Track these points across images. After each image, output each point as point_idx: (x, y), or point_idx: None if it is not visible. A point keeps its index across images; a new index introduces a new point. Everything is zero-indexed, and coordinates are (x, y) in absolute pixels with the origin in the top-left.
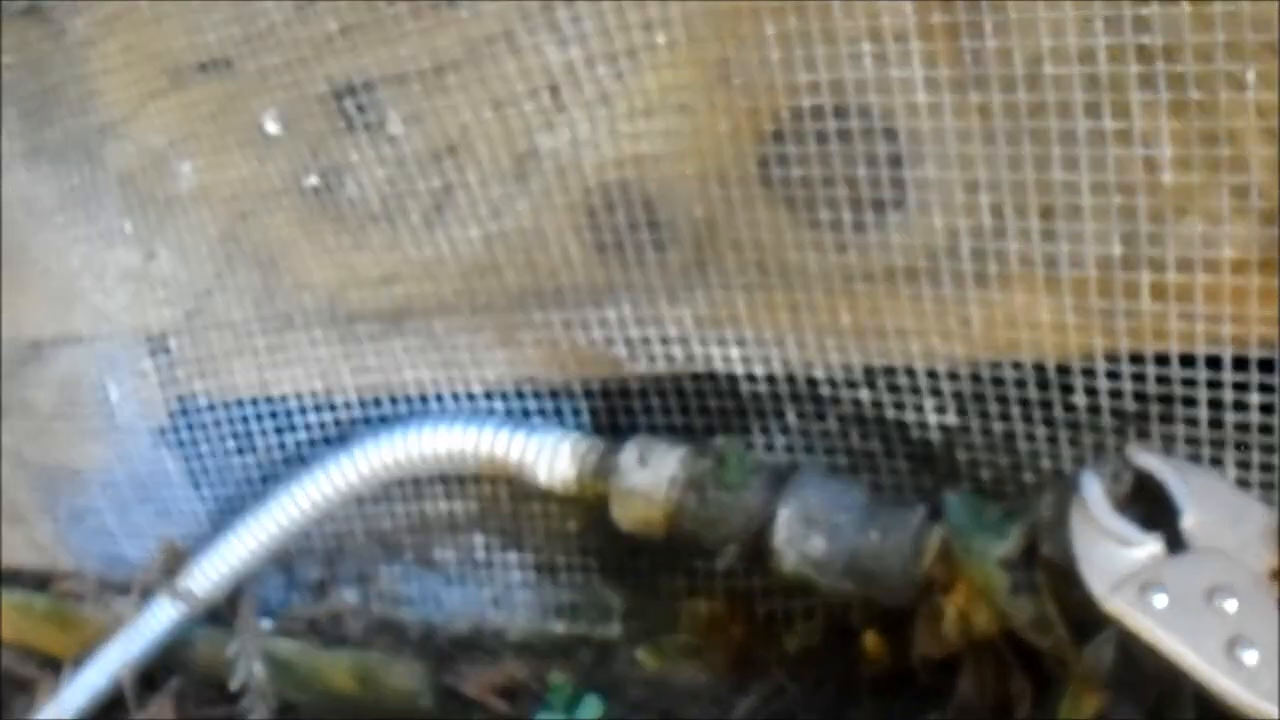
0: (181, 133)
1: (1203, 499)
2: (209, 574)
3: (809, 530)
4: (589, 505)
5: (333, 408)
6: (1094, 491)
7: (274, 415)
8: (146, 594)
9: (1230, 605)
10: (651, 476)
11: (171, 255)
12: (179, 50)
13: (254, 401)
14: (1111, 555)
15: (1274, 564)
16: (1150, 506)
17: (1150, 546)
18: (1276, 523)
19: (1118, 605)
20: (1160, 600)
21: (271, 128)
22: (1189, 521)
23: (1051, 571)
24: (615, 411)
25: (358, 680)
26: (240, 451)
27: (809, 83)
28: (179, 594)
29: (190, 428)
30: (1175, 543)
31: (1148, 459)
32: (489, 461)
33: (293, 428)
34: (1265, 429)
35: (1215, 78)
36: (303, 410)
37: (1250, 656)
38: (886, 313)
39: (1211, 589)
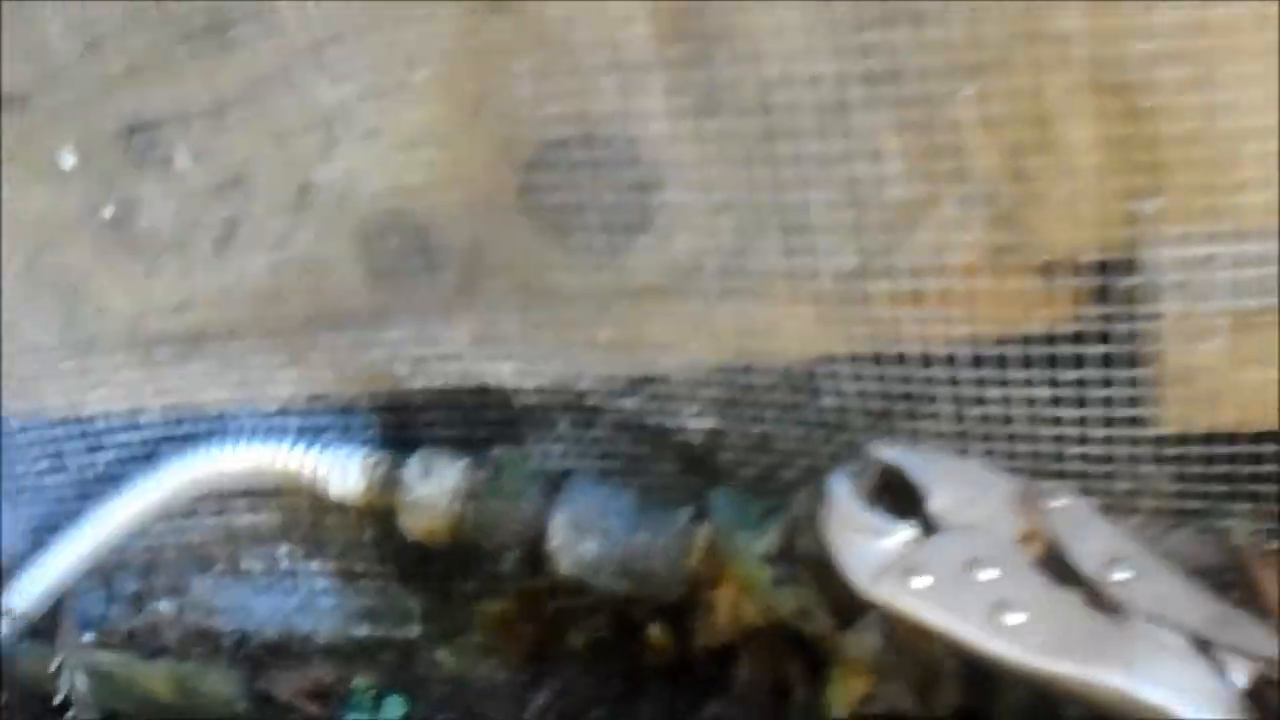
0: None
1: (947, 480)
2: (30, 590)
3: (581, 535)
4: (380, 516)
5: (139, 427)
6: (842, 490)
7: (84, 435)
8: None
9: (988, 574)
10: (435, 488)
11: None
12: None
13: (64, 422)
14: (868, 547)
15: (1024, 528)
16: (900, 496)
17: (904, 533)
18: (1021, 490)
19: (883, 593)
20: (921, 582)
21: (67, 162)
22: (937, 504)
23: (811, 564)
24: (402, 425)
25: (176, 688)
26: (53, 470)
27: (558, 115)
28: (1, 611)
29: (3, 449)
30: (928, 526)
31: (886, 451)
32: (286, 476)
33: (102, 447)
34: (1005, 419)
35: (936, 97)
36: (111, 430)
37: (1015, 618)
38: (643, 327)
39: (969, 562)
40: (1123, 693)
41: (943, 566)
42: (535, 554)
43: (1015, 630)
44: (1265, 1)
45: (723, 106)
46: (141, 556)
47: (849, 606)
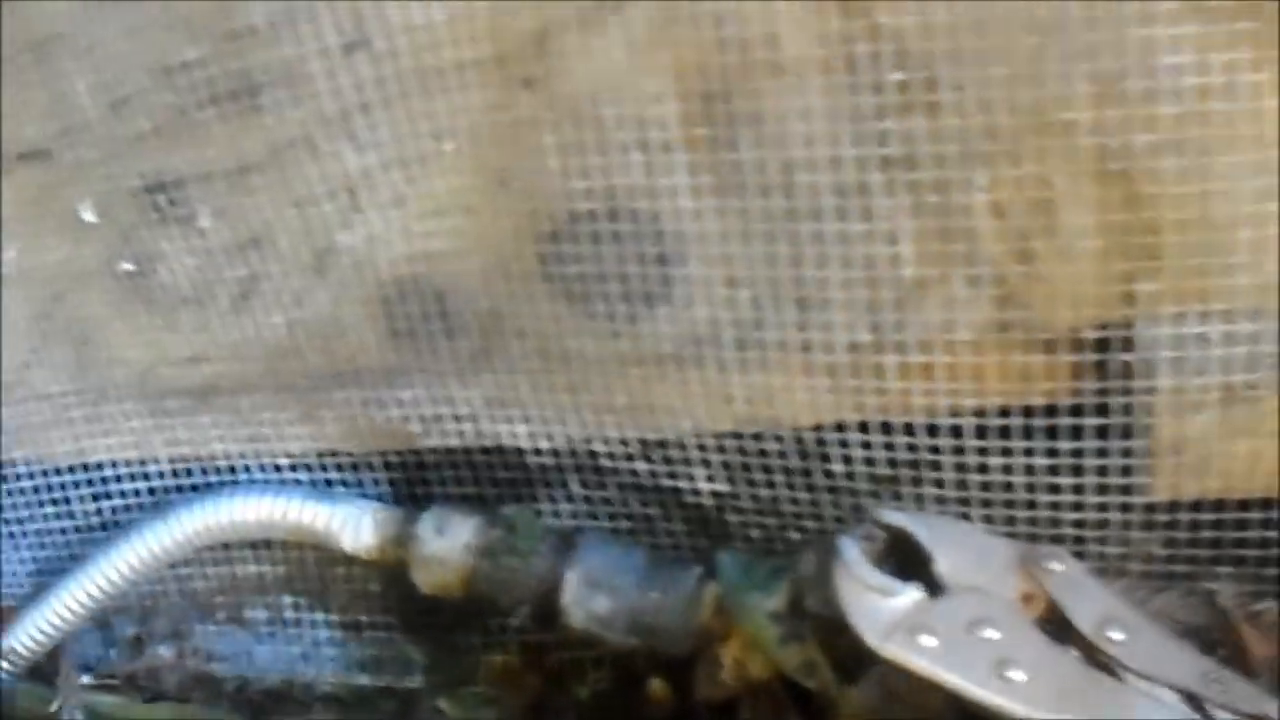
0: (2, 217)
1: (950, 544)
2: (32, 633)
3: (594, 591)
4: (391, 570)
5: (146, 477)
6: (852, 552)
7: (90, 483)
8: None
9: (991, 634)
10: (448, 544)
11: None
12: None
13: (71, 469)
14: (878, 607)
15: (1024, 590)
16: (906, 559)
17: (911, 594)
18: (1020, 554)
19: (893, 651)
20: (929, 640)
21: (87, 216)
22: (942, 566)
23: (817, 622)
24: (412, 482)
25: None
26: (59, 516)
27: (584, 188)
28: (2, 653)
29: (10, 494)
30: (933, 588)
31: (894, 516)
32: (296, 529)
33: (108, 495)
34: (1006, 486)
35: (950, 183)
36: (118, 479)
37: (1018, 674)
38: (658, 392)
39: (972, 622)
40: None
41: (948, 626)
42: (547, 609)
43: (1018, 686)
44: (1260, 101)
45: (745, 186)
46: (141, 601)
47: (852, 663)
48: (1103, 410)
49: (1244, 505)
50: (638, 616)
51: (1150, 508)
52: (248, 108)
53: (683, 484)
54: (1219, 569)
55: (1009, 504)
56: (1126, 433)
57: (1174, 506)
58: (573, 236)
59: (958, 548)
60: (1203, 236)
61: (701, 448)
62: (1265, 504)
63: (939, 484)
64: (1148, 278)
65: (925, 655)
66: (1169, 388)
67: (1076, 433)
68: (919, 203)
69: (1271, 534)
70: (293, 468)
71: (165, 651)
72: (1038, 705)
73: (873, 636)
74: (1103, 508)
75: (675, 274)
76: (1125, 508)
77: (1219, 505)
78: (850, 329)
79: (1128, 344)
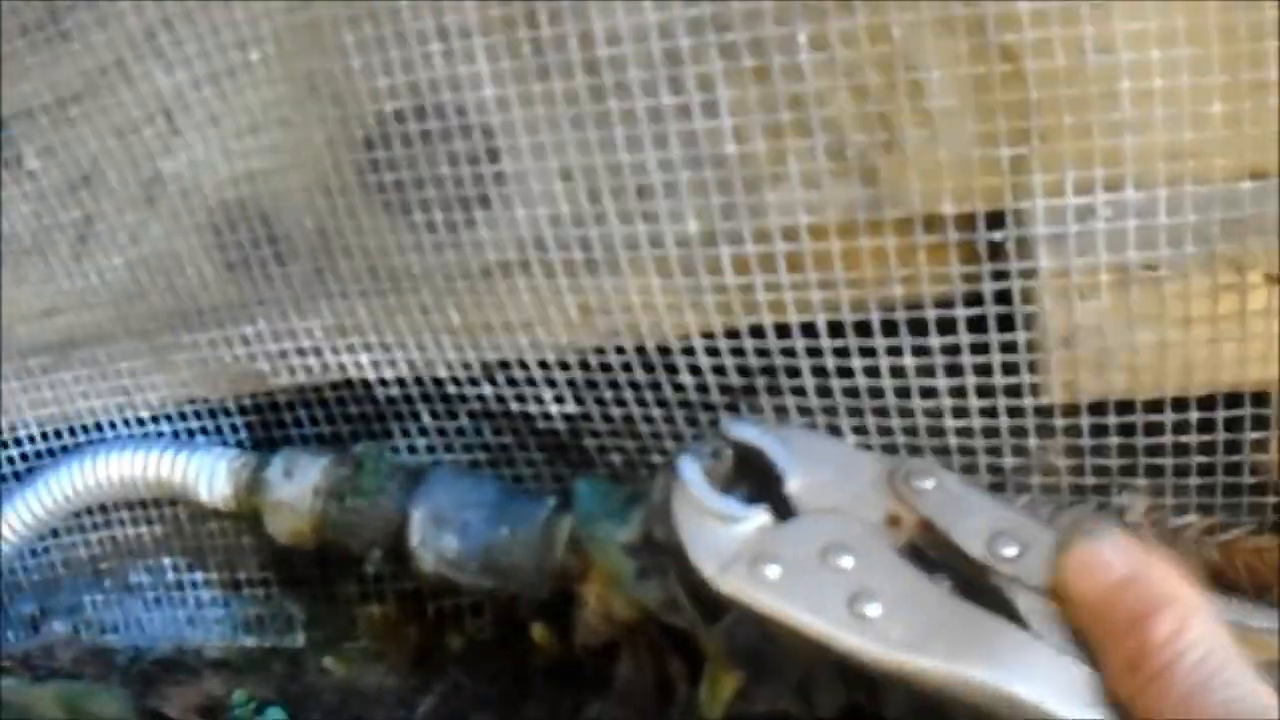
0: None
1: (807, 460)
2: None
3: (441, 530)
4: (250, 520)
5: (18, 442)
6: (692, 472)
7: None
8: None
9: (846, 562)
10: (296, 488)
11: None
12: None
13: None
14: (717, 534)
15: (890, 510)
16: (758, 479)
17: (756, 519)
18: (887, 469)
19: (731, 584)
20: (773, 571)
21: None
22: (794, 486)
23: (670, 554)
24: (269, 425)
25: (65, 711)
26: None
27: (389, 87)
28: None
29: None
30: (783, 511)
31: (743, 430)
32: (157, 484)
33: None
34: (874, 392)
35: (767, 43)
36: None
37: (873, 609)
38: (490, 309)
39: (825, 549)
40: (991, 688)
41: (797, 554)
42: (399, 552)
43: (874, 622)
44: None
45: (549, 66)
46: (38, 576)
47: (715, 599)
48: (977, 300)
49: (1155, 406)
50: (489, 556)
51: (1045, 411)
52: (54, 35)
53: (532, 408)
54: (1132, 480)
55: (880, 412)
56: (1007, 325)
57: (1073, 410)
58: (385, 140)
59: (814, 464)
60: (1078, 90)
61: (545, 366)
62: (1179, 404)
63: (800, 393)
64: (1018, 141)
65: (767, 588)
66: (1051, 270)
67: (949, 327)
68: (737, 67)
69: (1189, 438)
70: (154, 419)
71: (60, 627)
72: (893, 645)
73: (710, 566)
74: (989, 413)
75: (488, 173)
76: (1015, 411)
77: (1126, 407)
78: (676, 219)
79: (1000, 221)
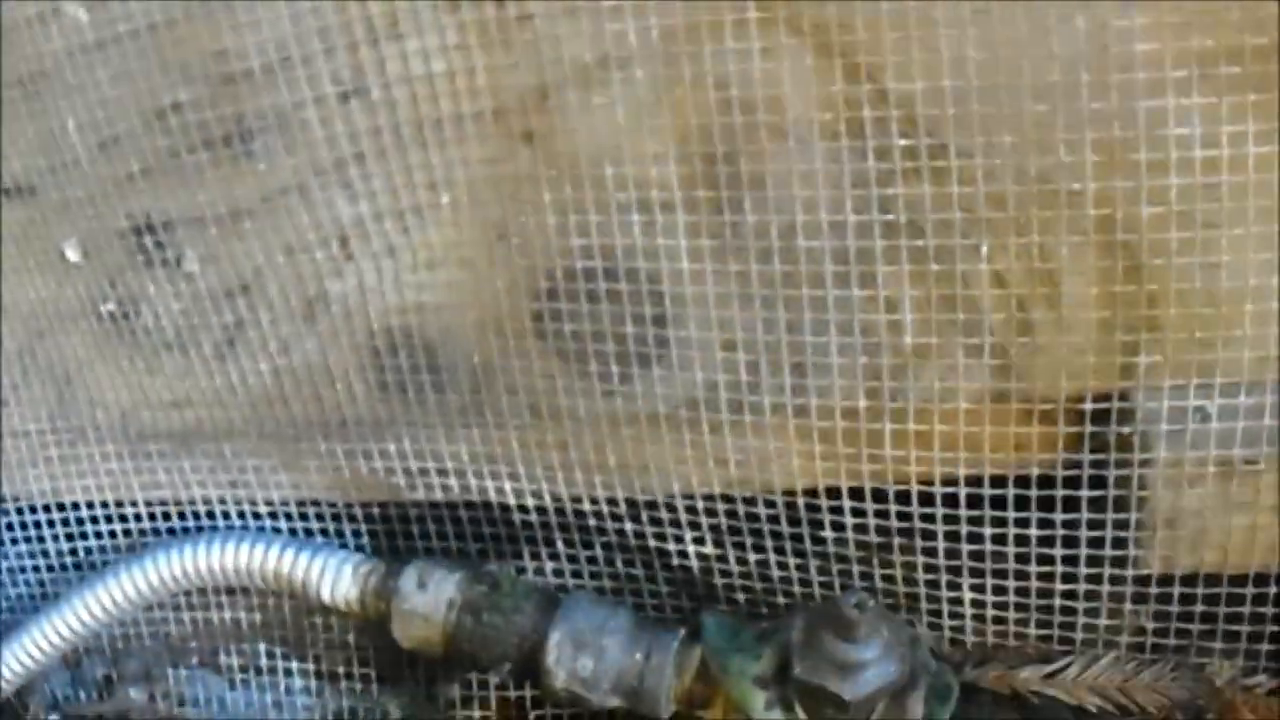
0: None
1: None
2: (1, 670)
3: (578, 652)
4: (369, 621)
5: (123, 519)
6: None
7: (65, 523)
8: None
9: None
10: (430, 599)
11: None
12: None
13: (46, 508)
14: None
15: None
16: None
17: None
18: None
19: None
20: None
21: (72, 255)
22: None
23: (803, 689)
24: (394, 535)
25: None
26: (31, 555)
27: (582, 246)
28: None
29: None
30: None
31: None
32: (274, 577)
33: (83, 535)
34: (997, 556)
35: (953, 251)
36: (94, 520)
37: None
38: (649, 453)
39: None
40: None
41: None
42: (529, 667)
43: None
44: (1269, 174)
45: (745, 249)
46: (113, 642)
47: None
48: (1099, 482)
49: (1238, 580)
50: (621, 678)
51: (1143, 580)
52: (240, 153)
53: (670, 545)
54: (1211, 644)
55: (1000, 574)
56: (1121, 505)
57: (1167, 580)
58: (569, 294)
59: None
60: (1205, 309)
61: (691, 510)
62: (1260, 579)
63: (930, 553)
64: (1149, 350)
65: None
66: (1166, 460)
67: (1071, 504)
68: (921, 270)
69: (1266, 609)
70: (272, 515)
71: (135, 694)
72: None
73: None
74: (1095, 579)
75: (671, 335)
76: (1117, 580)
77: (1213, 579)
78: (847, 394)
79: (1126, 415)
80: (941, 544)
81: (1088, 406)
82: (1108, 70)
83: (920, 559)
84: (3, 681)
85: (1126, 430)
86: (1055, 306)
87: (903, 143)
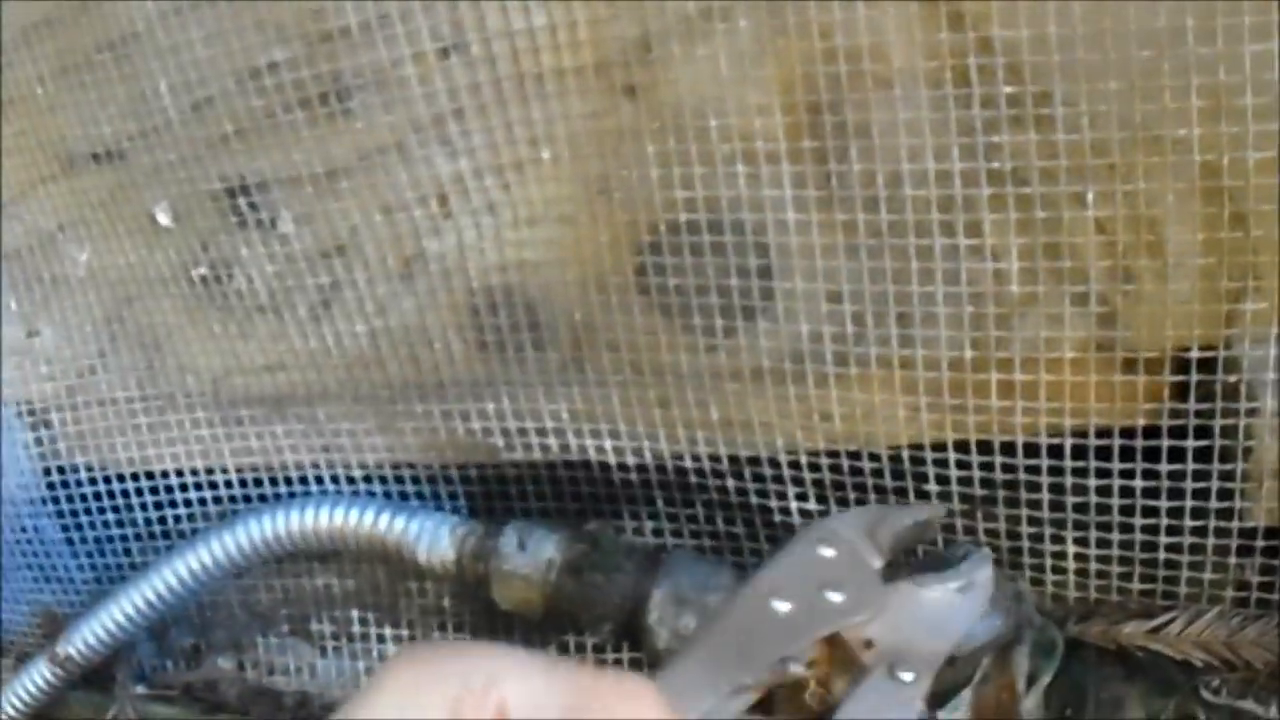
0: (71, 217)
1: None
2: (87, 640)
3: (680, 610)
4: (467, 585)
5: (213, 486)
6: None
7: (154, 491)
8: (23, 658)
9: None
10: (530, 560)
11: (55, 333)
12: (73, 139)
13: (134, 476)
14: None
15: None
16: None
17: None
18: None
19: None
20: None
21: (163, 219)
22: None
23: None
24: (491, 496)
25: None
26: (120, 524)
27: (685, 199)
28: (57, 659)
29: (70, 499)
30: None
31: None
32: (368, 541)
33: (173, 504)
34: (1102, 509)
35: (1059, 199)
36: (183, 487)
37: None
38: (753, 408)
39: None
40: None
41: None
42: (631, 627)
43: None
44: None
45: (851, 199)
46: (201, 610)
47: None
48: (1204, 433)
49: None
50: None
51: (1248, 533)
52: (337, 111)
53: (772, 502)
54: None
55: (1104, 527)
56: (1227, 456)
57: (1273, 533)
58: (672, 248)
59: None
60: None
61: (794, 465)
62: None
63: (1035, 506)
64: (1254, 297)
65: None
66: (1273, 410)
67: (1176, 455)
68: (1026, 219)
69: None
70: (366, 479)
71: (224, 663)
72: None
73: None
74: (1199, 532)
75: (776, 287)
76: (1222, 533)
77: None
78: (953, 345)
79: (1231, 364)
80: (1046, 497)
81: (1193, 355)
82: (1214, 15)
83: (1024, 513)
84: (89, 650)
85: (1232, 379)
86: (1159, 254)
87: (1008, 90)
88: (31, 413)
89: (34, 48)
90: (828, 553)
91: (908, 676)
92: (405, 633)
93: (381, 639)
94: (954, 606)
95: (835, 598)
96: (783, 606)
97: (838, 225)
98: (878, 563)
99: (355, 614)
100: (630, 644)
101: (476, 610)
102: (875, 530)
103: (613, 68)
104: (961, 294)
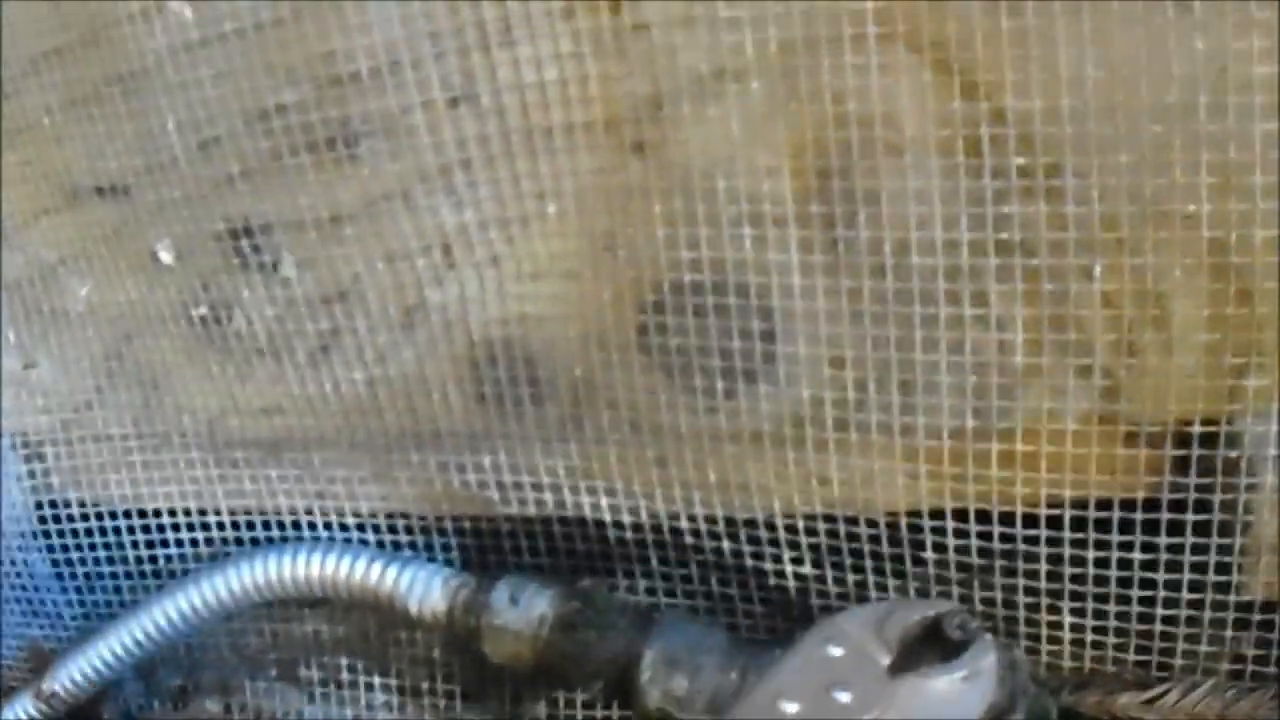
0: (73, 250)
1: None
2: (74, 677)
3: (672, 670)
4: (458, 637)
5: (205, 527)
6: None
7: (146, 529)
8: (8, 693)
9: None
10: (522, 615)
11: (53, 366)
12: (78, 171)
13: (127, 514)
14: None
15: None
16: None
17: None
18: None
19: None
20: None
21: (165, 257)
22: None
23: None
24: (485, 549)
25: None
26: (110, 560)
27: (690, 259)
28: (42, 695)
29: (62, 534)
30: None
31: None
32: (360, 590)
33: (164, 543)
34: (1099, 580)
35: (1066, 271)
36: (175, 527)
37: None
38: (751, 470)
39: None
40: None
41: None
42: (622, 685)
43: None
44: None
45: (858, 265)
46: (190, 652)
47: None
48: (1204, 507)
49: None
50: (716, 697)
51: (1245, 606)
52: (344, 156)
53: (767, 565)
54: None
55: (1101, 598)
56: (1226, 531)
57: (1269, 607)
58: (676, 307)
59: None
60: None
61: (790, 529)
62: None
63: (1032, 574)
64: (1257, 374)
65: None
66: (1273, 486)
67: (1175, 529)
68: (1033, 290)
69: None
70: (360, 527)
71: (212, 705)
72: None
73: None
74: (1196, 605)
75: (779, 351)
76: (1219, 606)
77: None
78: (955, 414)
79: (1233, 440)
80: (1044, 567)
81: (1195, 430)
82: (1225, 92)
83: (1022, 582)
84: (75, 688)
85: (1233, 454)
86: (1165, 328)
87: (1019, 161)
88: (26, 445)
89: (42, 76)
90: (836, 651)
91: None
92: (394, 681)
93: (370, 687)
94: (961, 696)
95: (843, 697)
96: (791, 708)
97: (843, 291)
98: (885, 659)
99: (344, 661)
100: (621, 702)
101: (467, 663)
102: (883, 626)
103: (623, 125)
104: (965, 363)
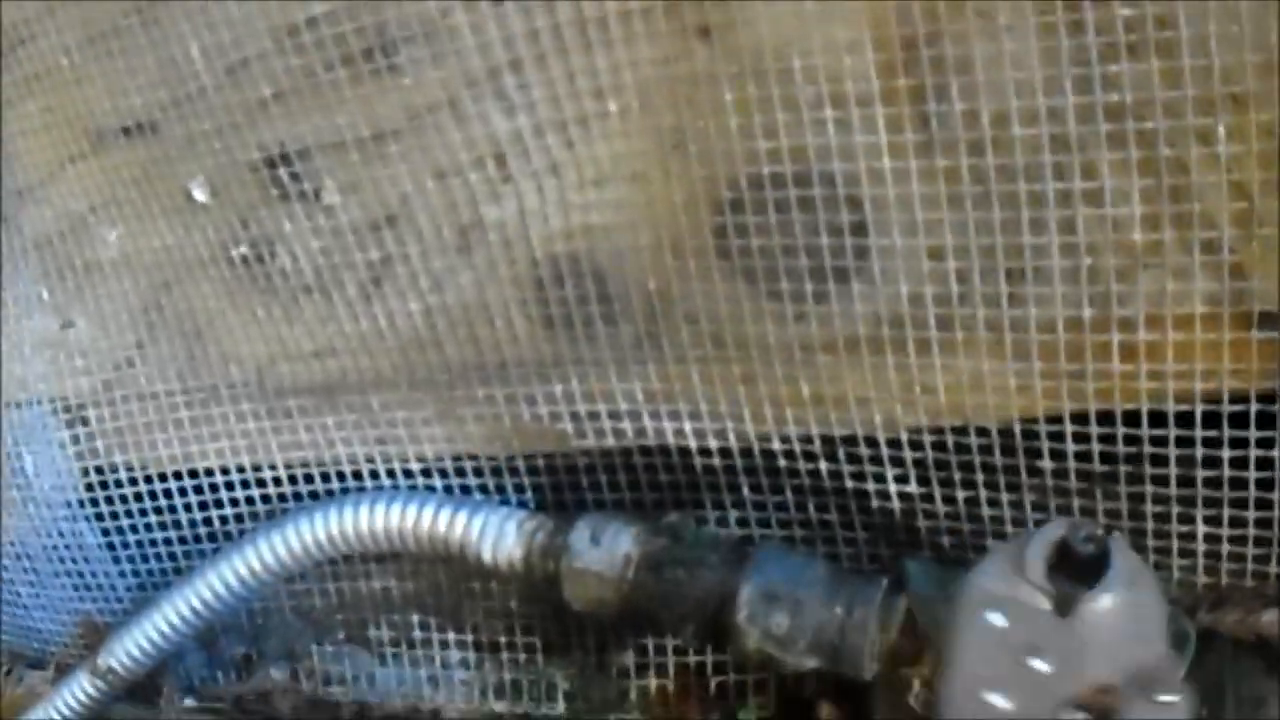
0: (103, 198)
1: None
2: (130, 651)
3: (771, 607)
4: (536, 584)
5: (261, 483)
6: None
7: (198, 490)
8: (63, 670)
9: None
10: (605, 555)
11: (90, 324)
12: (101, 113)
13: (177, 475)
14: None
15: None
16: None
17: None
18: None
19: None
20: None
21: (199, 195)
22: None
23: None
24: (560, 488)
25: None
26: (162, 526)
27: (769, 150)
28: (98, 672)
29: (110, 500)
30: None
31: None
32: (429, 540)
33: (218, 503)
34: (1236, 484)
35: (1185, 133)
36: (229, 485)
37: None
38: (848, 382)
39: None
40: None
41: None
42: (717, 627)
43: None
44: None
45: (954, 142)
46: (252, 619)
47: None
48: None
49: None
50: (820, 635)
51: None
52: (383, 68)
53: (869, 486)
54: None
55: (1238, 504)
56: None
57: None
58: (755, 205)
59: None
60: None
61: (893, 444)
62: None
63: (1160, 481)
64: None
65: None
66: None
67: None
68: (1148, 158)
69: None
70: (425, 473)
71: (277, 674)
72: None
73: None
74: None
75: (872, 245)
76: None
77: None
78: (1069, 304)
79: None
80: (1173, 472)
81: None
82: None
83: (1149, 490)
84: (132, 662)
85: None
86: None
87: (1125, 13)
88: (67, 409)
89: (58, 16)
90: (999, 621)
91: (1168, 697)
92: (470, 637)
93: (444, 645)
94: (1137, 598)
95: (1042, 665)
96: (998, 700)
97: (939, 172)
98: (1046, 605)
99: (416, 619)
100: (715, 646)
101: (546, 612)
102: (1023, 572)
103: (684, 7)
104: (1077, 245)
